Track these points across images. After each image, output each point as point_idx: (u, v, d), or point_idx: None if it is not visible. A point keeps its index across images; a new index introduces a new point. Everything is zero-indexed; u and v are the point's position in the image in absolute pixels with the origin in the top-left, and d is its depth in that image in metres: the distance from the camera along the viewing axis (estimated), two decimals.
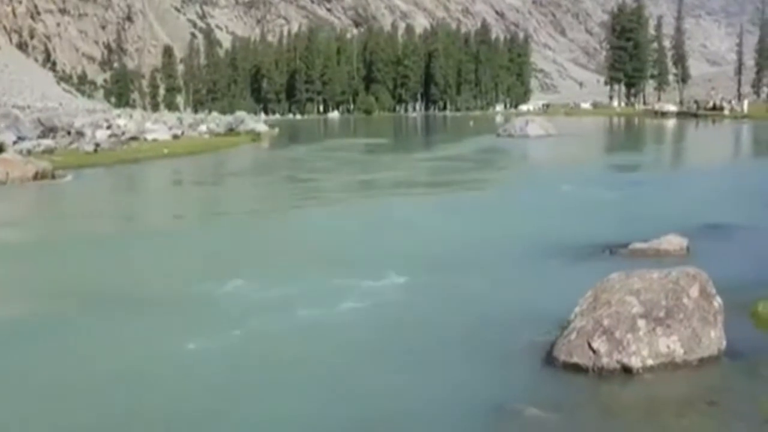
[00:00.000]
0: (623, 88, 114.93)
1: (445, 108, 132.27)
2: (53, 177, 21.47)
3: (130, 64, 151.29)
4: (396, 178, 22.07)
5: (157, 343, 6.43)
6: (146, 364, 5.93)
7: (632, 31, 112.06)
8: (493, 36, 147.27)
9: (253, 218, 15.06)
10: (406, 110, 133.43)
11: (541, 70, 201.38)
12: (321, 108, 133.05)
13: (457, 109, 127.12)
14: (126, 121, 47.42)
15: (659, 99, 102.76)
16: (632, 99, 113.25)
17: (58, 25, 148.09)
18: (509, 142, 37.26)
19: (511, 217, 13.33)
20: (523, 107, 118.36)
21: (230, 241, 12.15)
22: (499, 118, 79.66)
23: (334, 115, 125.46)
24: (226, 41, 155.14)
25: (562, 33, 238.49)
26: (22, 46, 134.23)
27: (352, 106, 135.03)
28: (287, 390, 5.37)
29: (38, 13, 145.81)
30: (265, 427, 4.84)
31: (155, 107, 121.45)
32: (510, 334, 6.31)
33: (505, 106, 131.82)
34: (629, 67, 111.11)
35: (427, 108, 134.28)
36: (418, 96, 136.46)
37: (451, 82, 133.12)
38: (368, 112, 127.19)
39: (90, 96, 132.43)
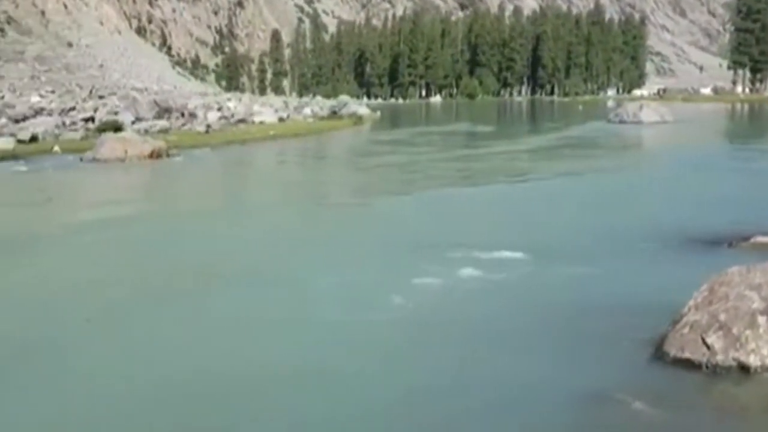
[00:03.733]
0: (748, 73, 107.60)
1: (552, 92, 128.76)
2: (167, 156, 22.55)
3: (240, 49, 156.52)
4: (497, 166, 21.64)
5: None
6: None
7: (759, 12, 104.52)
8: (607, 17, 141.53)
9: (357, 198, 15.21)
10: (511, 94, 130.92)
11: (658, 53, 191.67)
12: (423, 92, 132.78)
13: (566, 94, 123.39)
14: (235, 103, 49.23)
15: None
16: (758, 85, 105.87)
17: (174, 10, 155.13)
18: (621, 129, 35.78)
19: (626, 204, 12.80)
20: (637, 92, 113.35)
21: (337, 220, 12.31)
22: (610, 103, 76.65)
23: (436, 99, 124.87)
24: (332, 26, 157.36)
25: (682, 14, 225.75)
26: (140, 31, 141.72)
27: (455, 91, 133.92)
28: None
29: None
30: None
31: (263, 91, 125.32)
32: (619, 323, 6.07)
33: (618, 91, 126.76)
34: (755, 50, 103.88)
35: (533, 92, 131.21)
36: (524, 80, 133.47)
37: (559, 65, 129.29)
38: (471, 96, 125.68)
39: (202, 79, 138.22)
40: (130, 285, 7.87)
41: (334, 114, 48.78)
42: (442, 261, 8.19)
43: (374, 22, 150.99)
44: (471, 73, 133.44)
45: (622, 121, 38.94)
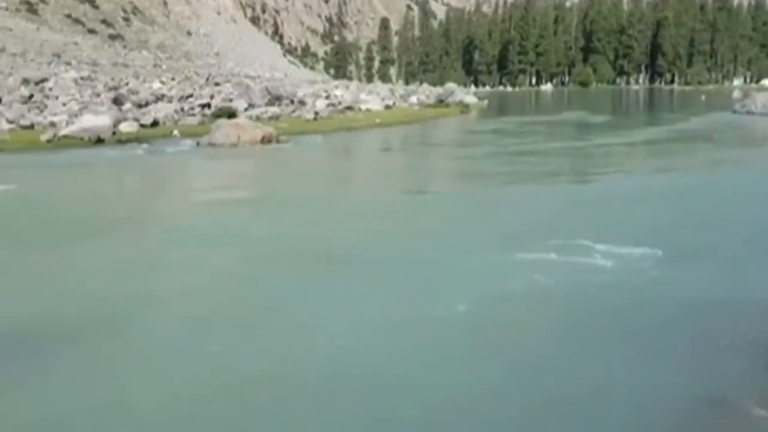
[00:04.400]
0: None
1: (672, 81, 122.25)
2: (277, 141, 23.24)
3: (349, 37, 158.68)
4: (610, 158, 20.65)
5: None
6: None
7: None
8: (735, 2, 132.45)
9: (464, 187, 14.92)
10: (627, 83, 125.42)
11: None
12: (533, 80, 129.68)
13: (687, 83, 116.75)
14: (342, 91, 49.85)
15: None
16: None
17: (287, 0, 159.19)
18: (748, 120, 33.35)
19: (753, 202, 11.79)
20: (767, 82, 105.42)
21: (437, 207, 12.10)
22: (736, 93, 71.66)
23: (546, 87, 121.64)
24: (441, 13, 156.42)
25: None
26: (254, 20, 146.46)
27: (566, 78, 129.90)
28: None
29: None
30: None
31: (370, 78, 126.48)
32: (741, 324, 5.67)
33: (745, 81, 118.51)
34: None
35: (651, 81, 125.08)
36: (642, 68, 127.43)
37: (681, 53, 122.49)
38: (584, 84, 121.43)
39: (311, 67, 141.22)
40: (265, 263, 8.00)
41: (440, 102, 48.37)
42: (564, 255, 7.90)
43: (484, 8, 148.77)
44: (585, 60, 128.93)
45: (749, 113, 36.28)
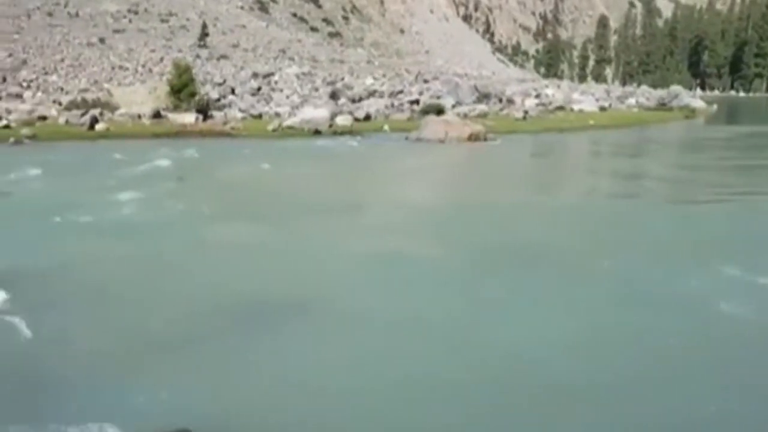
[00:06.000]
0: None
1: None
2: (485, 139, 22.68)
3: (563, 35, 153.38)
4: None
5: None
6: None
7: None
8: None
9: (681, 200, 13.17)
10: None
11: None
12: None
13: None
14: (554, 91, 48.03)
15: None
16: None
17: None
18: None
19: None
20: None
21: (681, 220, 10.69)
22: None
23: None
24: (668, 10, 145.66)
25: None
26: (466, 18, 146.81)
27: None
28: None
29: None
30: None
31: (582, 78, 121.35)
32: None
33: None
34: None
35: None
36: None
37: None
38: None
39: (521, 66, 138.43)
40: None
41: (662, 105, 44.71)
42: None
43: (718, 6, 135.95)
44: None
45: None
